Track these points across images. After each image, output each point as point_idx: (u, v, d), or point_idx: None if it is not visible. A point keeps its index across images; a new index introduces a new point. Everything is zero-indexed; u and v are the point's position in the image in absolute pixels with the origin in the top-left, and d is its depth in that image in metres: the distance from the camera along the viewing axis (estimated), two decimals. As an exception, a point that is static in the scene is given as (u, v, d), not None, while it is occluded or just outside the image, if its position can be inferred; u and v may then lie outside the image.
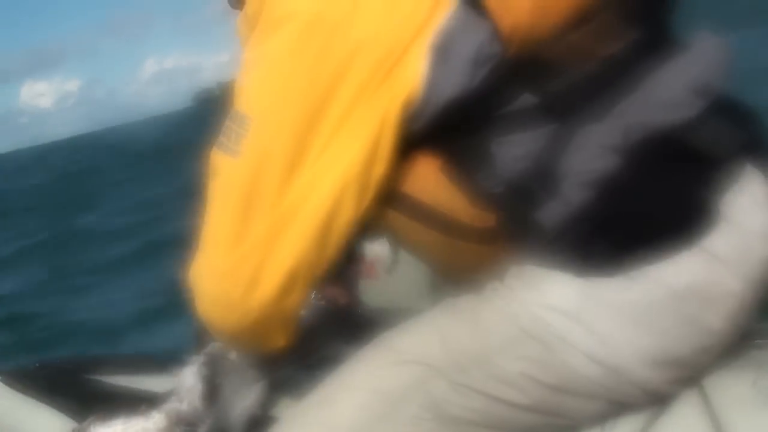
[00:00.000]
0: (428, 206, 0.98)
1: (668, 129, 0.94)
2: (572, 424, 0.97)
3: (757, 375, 0.98)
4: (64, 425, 1.27)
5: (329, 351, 1.15)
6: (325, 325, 1.23)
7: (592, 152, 0.93)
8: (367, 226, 1.02)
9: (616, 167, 0.92)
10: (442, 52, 0.92)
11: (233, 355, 1.15)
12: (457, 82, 0.93)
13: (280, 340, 1.04)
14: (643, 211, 0.93)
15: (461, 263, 1.01)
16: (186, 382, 1.14)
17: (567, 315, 0.91)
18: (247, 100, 0.96)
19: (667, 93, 0.95)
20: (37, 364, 1.42)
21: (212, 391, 1.13)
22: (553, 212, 0.93)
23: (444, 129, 0.95)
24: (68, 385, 1.33)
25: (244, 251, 0.95)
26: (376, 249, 1.31)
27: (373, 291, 1.31)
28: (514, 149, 0.95)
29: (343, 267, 1.28)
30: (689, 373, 0.95)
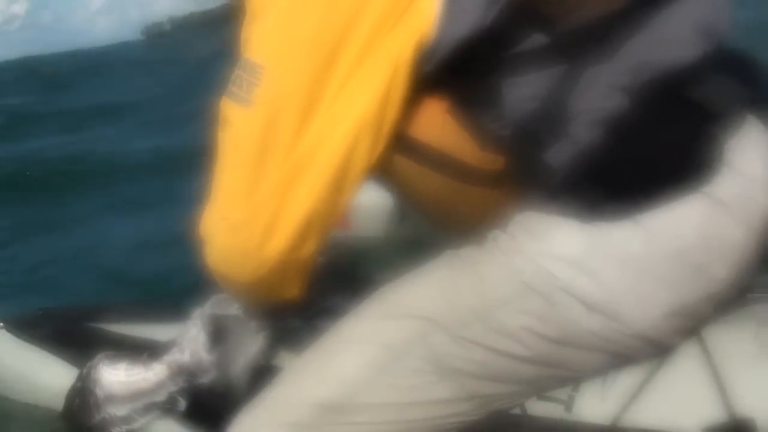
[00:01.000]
0: (435, 149, 0.97)
1: (675, 69, 0.93)
2: (574, 376, 0.98)
3: (758, 328, 0.99)
4: (67, 372, 1.28)
5: (328, 302, 1.16)
6: (324, 277, 1.23)
7: (600, 91, 0.92)
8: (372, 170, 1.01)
9: (624, 107, 0.92)
10: None
11: (236, 307, 1.15)
12: (469, 21, 0.92)
13: (294, 289, 1.04)
14: (650, 154, 0.92)
15: (468, 208, 1.01)
16: (189, 333, 1.15)
17: (571, 263, 0.91)
18: (258, 48, 0.95)
19: (673, 32, 0.94)
20: (40, 312, 1.43)
21: (216, 341, 1.14)
22: (561, 152, 0.93)
23: (453, 71, 0.95)
24: (71, 332, 1.34)
25: (259, 201, 0.94)
26: None
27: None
28: (522, 90, 0.94)
29: None
30: (692, 323, 0.95)
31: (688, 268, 0.91)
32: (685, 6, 0.96)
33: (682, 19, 0.95)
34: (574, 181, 0.92)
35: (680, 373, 0.98)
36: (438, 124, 0.97)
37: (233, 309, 1.15)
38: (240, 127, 0.95)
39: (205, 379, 1.13)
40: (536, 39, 0.93)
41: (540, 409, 1.01)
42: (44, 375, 1.32)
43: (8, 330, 1.37)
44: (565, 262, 0.91)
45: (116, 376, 1.15)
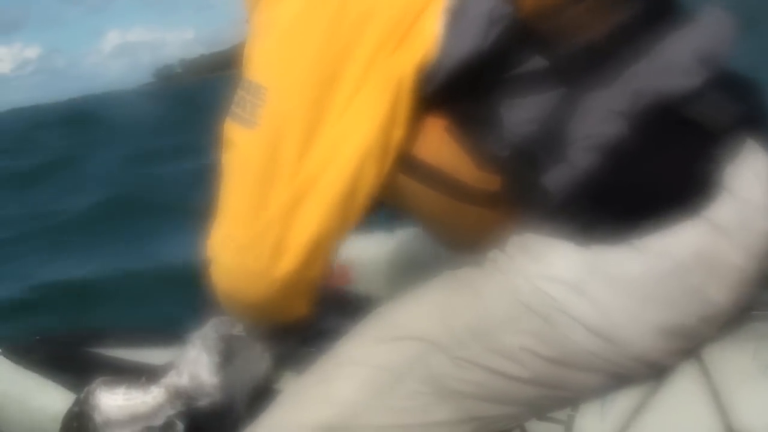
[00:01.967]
0: (434, 167, 0.98)
1: (675, 96, 0.94)
2: (573, 397, 0.98)
3: (757, 347, 0.98)
4: (65, 398, 1.28)
5: (327, 325, 1.16)
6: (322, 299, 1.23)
7: (599, 116, 0.93)
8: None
9: (622, 132, 0.92)
10: (456, 12, 0.92)
11: (240, 329, 1.15)
12: (470, 42, 0.93)
13: (302, 309, 1.05)
14: (648, 179, 0.93)
15: (465, 227, 1.02)
16: (188, 356, 1.14)
17: (569, 286, 0.91)
18: (261, 69, 0.96)
19: (674, 60, 0.95)
20: (38, 338, 1.42)
21: (219, 363, 1.13)
22: (558, 176, 0.93)
23: (453, 92, 0.95)
24: (69, 358, 1.33)
25: (266, 222, 0.95)
26: (349, 252, 1.31)
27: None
28: (521, 112, 0.95)
29: None
30: (690, 344, 0.95)
31: (685, 291, 0.92)
32: (686, 34, 0.97)
33: (682, 47, 0.96)
34: (572, 205, 0.93)
35: (679, 393, 0.97)
36: (437, 143, 0.98)
37: (236, 331, 1.14)
38: (245, 148, 0.96)
39: (205, 402, 1.13)
40: (536, 62, 0.94)
41: (540, 429, 1.01)
42: (41, 400, 1.31)
43: (5, 356, 1.36)
44: (562, 285, 0.92)
45: (114, 401, 1.14)
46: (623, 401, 0.98)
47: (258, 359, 1.15)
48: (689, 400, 0.97)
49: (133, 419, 1.14)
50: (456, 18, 0.92)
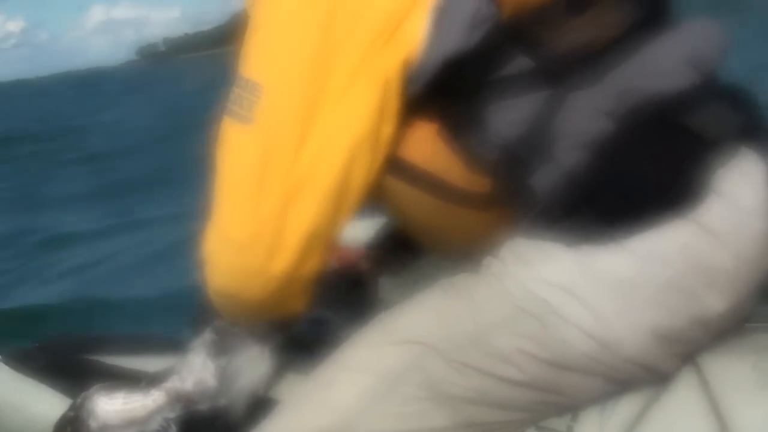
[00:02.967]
0: (424, 170, 0.99)
1: (662, 97, 0.95)
2: (571, 403, 0.97)
3: (757, 358, 0.98)
4: (63, 405, 1.27)
5: (331, 327, 1.16)
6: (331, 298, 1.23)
7: (585, 115, 0.94)
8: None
9: (608, 131, 0.93)
10: (441, 12, 0.93)
11: (240, 334, 1.15)
12: (453, 42, 0.94)
13: (299, 305, 1.05)
14: (635, 177, 0.93)
15: (458, 231, 1.02)
16: (192, 361, 1.14)
17: (561, 289, 0.91)
18: (257, 67, 0.96)
19: (660, 62, 0.96)
20: (38, 344, 1.42)
21: (221, 368, 1.13)
22: (545, 176, 0.94)
23: (441, 94, 0.96)
24: (68, 365, 1.33)
25: (262, 219, 0.95)
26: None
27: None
28: (508, 114, 0.95)
29: None
30: (686, 348, 0.95)
31: (677, 293, 0.92)
32: (674, 37, 0.98)
33: (670, 51, 0.97)
34: (560, 205, 0.93)
35: (678, 403, 0.97)
36: (428, 146, 0.99)
37: (237, 335, 1.14)
38: (240, 145, 0.96)
39: (205, 406, 1.13)
40: (522, 62, 0.95)
41: (539, 439, 1.01)
42: (40, 407, 1.31)
43: (5, 362, 1.36)
44: (554, 288, 0.92)
45: (112, 406, 1.14)
46: (622, 412, 0.98)
47: (258, 362, 1.14)
48: (689, 411, 0.96)
49: (130, 423, 1.13)
50: (440, 18, 0.93)
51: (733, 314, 0.95)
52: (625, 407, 0.98)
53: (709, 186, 0.92)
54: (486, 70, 0.95)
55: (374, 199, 1.03)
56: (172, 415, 1.13)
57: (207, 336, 1.14)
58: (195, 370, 1.13)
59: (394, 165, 0.99)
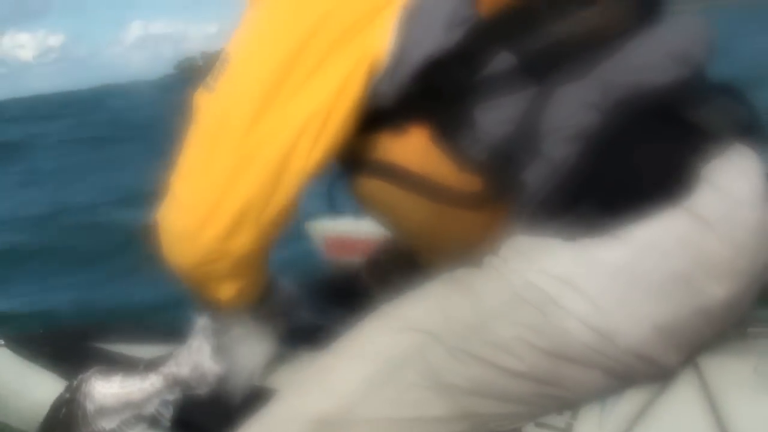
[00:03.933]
0: (416, 174, 1.00)
1: (647, 90, 0.96)
2: (571, 397, 0.97)
3: (757, 361, 0.98)
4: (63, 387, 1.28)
5: (326, 320, 1.16)
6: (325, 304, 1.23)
7: (571, 108, 0.94)
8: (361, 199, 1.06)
9: (595, 123, 0.94)
10: (416, 14, 0.95)
11: (237, 320, 1.15)
12: (430, 43, 0.95)
13: (228, 288, 1.06)
14: (624, 168, 0.94)
15: (452, 233, 1.03)
16: (190, 345, 1.15)
17: (559, 279, 0.92)
18: (232, 42, 1.00)
19: (645, 57, 0.97)
20: (41, 331, 1.43)
21: (219, 353, 1.14)
22: (536, 172, 0.94)
23: (428, 97, 0.98)
24: (72, 351, 1.34)
25: (207, 185, 0.98)
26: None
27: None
28: (496, 113, 0.96)
29: None
30: (686, 340, 0.95)
31: (674, 281, 0.92)
32: (660, 33, 1.00)
33: (654, 46, 0.98)
34: (553, 199, 0.94)
35: (678, 404, 0.97)
36: (419, 150, 1.00)
37: (235, 321, 1.15)
38: (203, 111, 1.00)
39: (202, 391, 1.13)
40: (504, 59, 0.96)
41: (537, 436, 1.00)
42: (42, 392, 1.31)
43: (9, 348, 1.37)
44: (554, 279, 0.92)
45: (110, 389, 1.15)
46: (621, 411, 0.97)
47: (255, 349, 1.15)
48: (688, 412, 0.96)
49: (126, 406, 1.14)
50: (413, 19, 0.95)
51: (734, 304, 0.95)
52: (625, 406, 0.97)
53: (701, 176, 0.92)
54: (469, 70, 0.96)
55: (371, 207, 1.07)
56: (169, 398, 1.13)
57: (204, 321, 1.15)
58: (192, 355, 1.13)
59: (387, 170, 1.01)
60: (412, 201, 1.01)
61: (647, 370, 0.95)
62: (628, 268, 0.91)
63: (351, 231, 1.51)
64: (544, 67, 0.95)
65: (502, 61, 0.96)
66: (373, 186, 1.04)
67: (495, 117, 0.96)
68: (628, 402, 0.97)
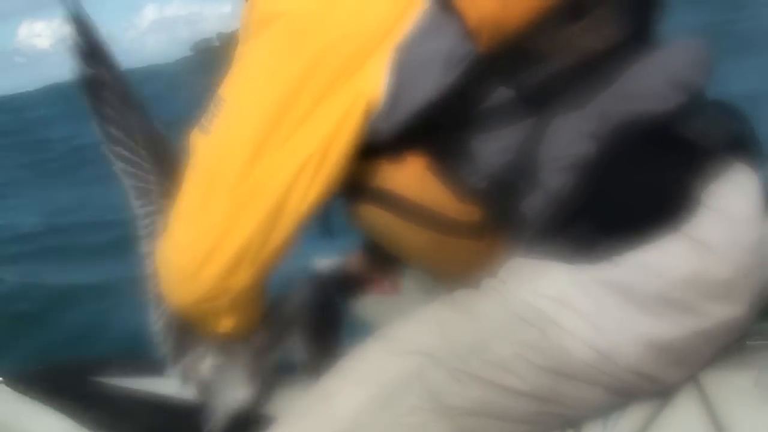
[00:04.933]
0: (414, 203, 1.01)
1: (645, 118, 0.96)
2: (573, 414, 0.97)
3: (759, 374, 0.98)
4: (68, 428, 1.28)
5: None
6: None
7: (568, 138, 0.95)
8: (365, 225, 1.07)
9: (592, 152, 0.94)
10: (412, 53, 0.95)
11: (229, 352, 1.16)
12: (431, 84, 0.95)
13: (228, 322, 1.08)
14: (622, 195, 0.94)
15: (451, 259, 1.04)
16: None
17: (557, 300, 0.93)
18: (227, 84, 1.01)
19: (644, 85, 0.97)
20: (41, 367, 1.43)
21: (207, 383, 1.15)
22: (534, 201, 0.95)
23: (426, 128, 0.98)
24: (72, 387, 1.33)
25: (205, 226, 1.00)
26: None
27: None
28: (494, 144, 0.97)
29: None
30: (685, 358, 0.95)
31: (672, 304, 0.92)
32: (658, 60, 0.99)
33: (654, 73, 0.98)
34: (552, 227, 0.95)
35: (680, 419, 0.97)
36: (417, 179, 1.00)
37: (227, 354, 1.15)
38: (199, 153, 1.01)
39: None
40: (502, 93, 0.96)
41: (540, 452, 1.00)
42: (44, 430, 1.31)
43: (7, 384, 1.36)
44: (552, 300, 0.93)
45: None
46: (624, 426, 0.98)
47: (242, 383, 1.15)
48: (690, 427, 0.96)
49: None
50: (408, 59, 0.95)
51: (734, 324, 0.95)
52: (627, 422, 0.98)
53: (700, 199, 0.93)
54: (468, 104, 0.97)
55: (370, 232, 1.08)
56: None
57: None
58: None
59: (385, 197, 1.02)
60: (411, 228, 1.02)
61: (648, 387, 0.95)
62: (626, 290, 0.92)
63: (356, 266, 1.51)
64: (542, 98, 0.96)
65: (501, 94, 0.96)
66: (371, 212, 1.04)
67: (493, 147, 0.97)
68: (631, 417, 0.98)
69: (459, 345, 0.96)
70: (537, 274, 0.95)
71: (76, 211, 6.63)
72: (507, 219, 0.97)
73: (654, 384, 0.95)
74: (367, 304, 1.36)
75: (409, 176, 1.01)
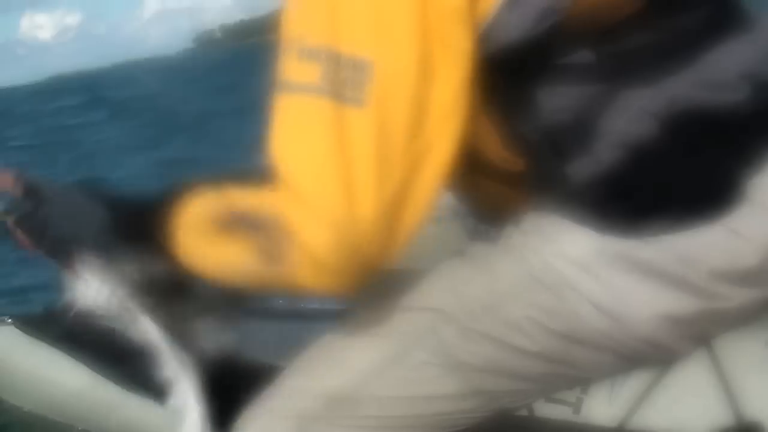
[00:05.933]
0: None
1: (710, 109, 0.93)
2: (581, 377, 0.98)
3: (769, 336, 0.98)
4: (82, 374, 1.29)
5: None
6: None
7: (631, 115, 0.93)
8: None
9: (652, 134, 0.92)
10: None
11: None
12: (520, 28, 0.91)
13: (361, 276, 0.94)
14: (670, 181, 0.93)
15: (482, 200, 1.04)
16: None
17: (579, 265, 0.92)
18: (361, 44, 0.89)
19: (718, 75, 0.94)
20: (48, 310, 1.43)
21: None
22: (582, 168, 0.93)
23: (495, 70, 0.94)
24: (86, 333, 1.33)
25: (387, 199, 0.88)
26: None
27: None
28: (559, 100, 0.94)
29: None
30: (700, 332, 0.95)
31: (696, 289, 0.91)
32: (735, 50, 0.96)
33: (729, 64, 0.95)
34: (592, 196, 0.93)
35: (688, 377, 0.98)
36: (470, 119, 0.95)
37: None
38: (354, 129, 0.88)
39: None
40: (582, 55, 0.94)
41: (547, 411, 1.01)
42: (58, 376, 1.32)
43: (17, 326, 1.37)
44: (573, 264, 0.92)
45: None
46: (632, 385, 0.98)
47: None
48: (698, 384, 0.97)
49: None
50: (512, 3, 0.91)
51: (754, 308, 0.95)
52: (635, 381, 0.98)
53: (743, 193, 0.91)
54: (546, 57, 0.94)
55: None
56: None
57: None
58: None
59: None
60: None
61: (658, 355, 0.96)
62: (649, 264, 0.91)
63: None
64: (618, 69, 0.94)
65: (580, 56, 0.94)
66: None
67: (557, 103, 0.94)
68: (639, 376, 0.98)
69: (472, 302, 0.96)
70: (563, 234, 0.94)
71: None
72: (549, 176, 0.95)
73: (666, 354, 0.96)
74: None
75: None
